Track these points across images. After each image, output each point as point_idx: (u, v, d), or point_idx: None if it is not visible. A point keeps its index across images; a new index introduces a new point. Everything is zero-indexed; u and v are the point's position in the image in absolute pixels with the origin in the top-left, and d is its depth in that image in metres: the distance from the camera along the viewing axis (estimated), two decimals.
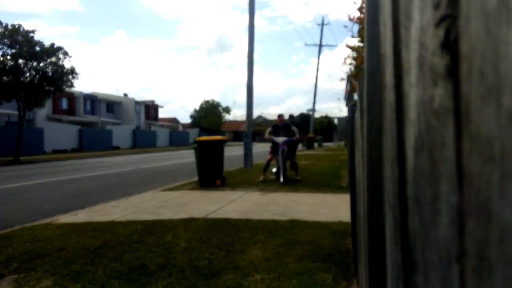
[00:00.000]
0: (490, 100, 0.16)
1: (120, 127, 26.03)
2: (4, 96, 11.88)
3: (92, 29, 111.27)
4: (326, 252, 2.21)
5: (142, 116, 31.72)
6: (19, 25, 11.78)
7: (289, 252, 2.23)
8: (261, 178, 5.67)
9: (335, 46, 28.20)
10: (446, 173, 0.20)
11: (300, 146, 6.43)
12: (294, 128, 5.72)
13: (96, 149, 21.13)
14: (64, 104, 24.01)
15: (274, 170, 5.74)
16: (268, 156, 5.77)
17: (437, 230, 0.22)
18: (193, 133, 33.91)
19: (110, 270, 2.02)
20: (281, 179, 5.22)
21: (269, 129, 5.90)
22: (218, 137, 5.64)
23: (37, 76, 12.17)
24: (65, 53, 12.58)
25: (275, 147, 5.59)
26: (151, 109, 33.67)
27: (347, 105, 3.92)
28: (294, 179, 5.53)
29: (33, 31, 12.01)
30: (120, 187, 5.70)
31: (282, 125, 5.76)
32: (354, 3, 1.41)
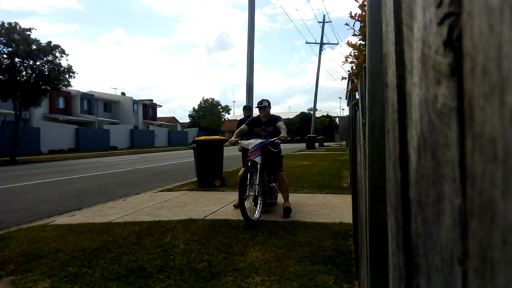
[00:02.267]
0: (494, 99, 0.15)
1: (118, 127, 25.96)
2: (0, 95, 11.81)
3: (90, 27, 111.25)
4: (327, 254, 2.20)
5: (140, 115, 31.65)
6: (16, 23, 11.76)
7: (290, 254, 2.23)
8: (235, 202, 3.63)
9: (336, 44, 27.95)
10: (449, 173, 0.20)
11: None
12: (281, 124, 3.39)
13: (93, 149, 21.08)
14: (61, 103, 23.93)
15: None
16: (242, 169, 3.16)
17: (439, 231, 0.22)
18: (192, 133, 33.90)
19: (108, 272, 2.00)
20: (256, 214, 2.97)
21: (241, 127, 3.53)
22: (217, 137, 5.54)
23: (34, 75, 12.14)
24: (62, 52, 12.57)
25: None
26: (149, 108, 33.61)
27: (348, 104, 3.30)
28: (284, 207, 3.28)
29: (29, 29, 11.99)
30: (117, 187, 5.68)
31: (267, 120, 3.50)
32: (356, 0, 1.40)
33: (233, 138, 3.48)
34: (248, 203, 2.99)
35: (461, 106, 0.18)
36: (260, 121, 3.55)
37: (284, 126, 3.42)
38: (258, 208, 3.07)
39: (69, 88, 15.72)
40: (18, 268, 2.11)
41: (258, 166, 3.11)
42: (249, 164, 3.07)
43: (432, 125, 0.22)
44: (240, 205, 2.86)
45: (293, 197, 4.26)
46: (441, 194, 0.21)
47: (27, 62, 12.02)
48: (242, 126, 3.60)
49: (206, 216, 3.34)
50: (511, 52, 0.14)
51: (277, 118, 3.53)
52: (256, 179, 3.11)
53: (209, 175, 5.24)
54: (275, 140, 3.31)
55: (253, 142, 3.22)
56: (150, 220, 3.23)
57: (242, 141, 3.37)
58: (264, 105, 3.51)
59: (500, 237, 0.15)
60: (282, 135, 3.32)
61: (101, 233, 2.82)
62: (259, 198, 3.14)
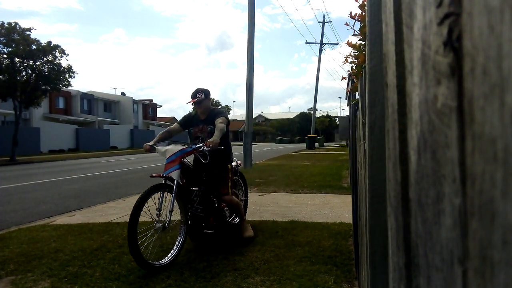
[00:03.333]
0: (494, 99, 0.15)
1: (118, 127, 25.99)
2: (0, 95, 11.83)
3: (91, 27, 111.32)
4: (327, 254, 2.21)
5: (140, 115, 31.67)
6: (16, 23, 11.78)
7: (289, 254, 2.23)
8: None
9: (336, 44, 27.84)
10: (449, 173, 0.20)
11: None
12: (219, 122, 2.35)
13: (93, 149, 21.09)
14: (61, 103, 23.95)
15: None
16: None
17: (439, 231, 0.22)
18: None
19: (108, 272, 2.01)
20: (168, 256, 2.06)
21: (170, 127, 2.59)
22: None
23: (34, 75, 12.16)
24: (62, 52, 12.59)
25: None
26: (149, 108, 33.63)
27: (348, 104, 3.30)
28: (243, 237, 2.45)
29: (29, 29, 12.02)
30: (117, 187, 5.67)
31: (206, 117, 2.50)
32: (356, 0, 1.41)
33: (149, 142, 2.39)
34: (152, 238, 2.05)
35: (461, 106, 0.18)
36: (198, 118, 2.51)
37: (222, 125, 2.32)
38: (174, 246, 2.09)
39: (69, 88, 15.74)
40: (18, 268, 2.11)
41: (175, 184, 2.14)
42: (164, 181, 2.14)
43: (432, 125, 0.22)
44: (129, 243, 1.88)
45: (293, 197, 4.26)
46: (441, 194, 0.21)
47: (27, 62, 12.04)
48: (172, 126, 2.59)
49: None
50: (511, 52, 0.14)
51: (218, 113, 2.45)
52: (171, 204, 2.13)
53: None
54: (201, 147, 2.26)
55: (171, 149, 2.23)
56: (150, 220, 3.23)
57: (158, 148, 2.33)
58: (199, 99, 2.43)
59: (500, 237, 0.15)
60: (211, 139, 2.22)
61: (101, 233, 2.82)
62: (180, 232, 2.16)
